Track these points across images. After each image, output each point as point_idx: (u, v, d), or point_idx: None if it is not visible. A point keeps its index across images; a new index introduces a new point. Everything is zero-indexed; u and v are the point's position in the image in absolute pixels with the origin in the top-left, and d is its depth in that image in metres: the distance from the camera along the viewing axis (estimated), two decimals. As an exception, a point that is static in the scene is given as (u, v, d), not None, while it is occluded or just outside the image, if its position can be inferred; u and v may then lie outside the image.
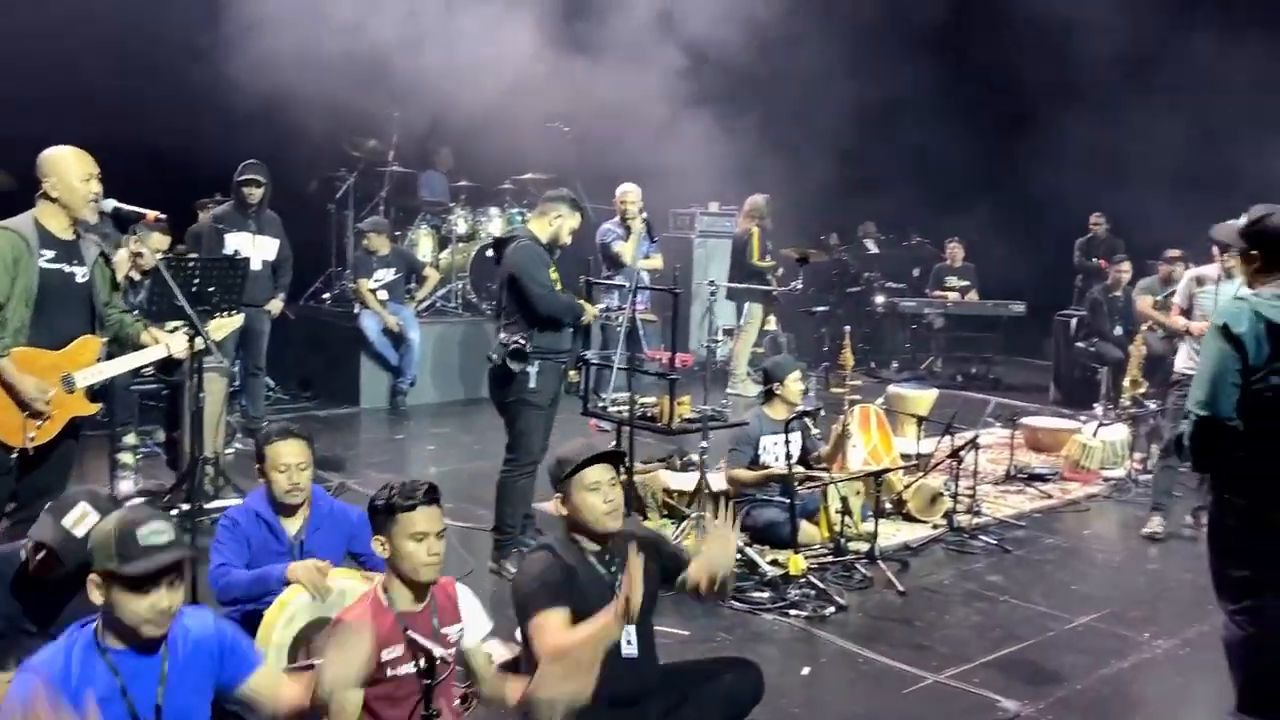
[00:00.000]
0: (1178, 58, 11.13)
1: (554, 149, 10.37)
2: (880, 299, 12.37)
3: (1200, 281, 6.30)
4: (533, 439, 5.33)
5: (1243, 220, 3.59)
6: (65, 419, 4.17)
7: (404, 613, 2.98)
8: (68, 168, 4.11)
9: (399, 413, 9.06)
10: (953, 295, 12.03)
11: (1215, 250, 6.27)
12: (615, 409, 5.62)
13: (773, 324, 10.28)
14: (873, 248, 13.70)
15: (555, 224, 5.41)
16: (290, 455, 3.79)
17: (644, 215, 5.99)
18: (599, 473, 3.16)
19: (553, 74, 9.15)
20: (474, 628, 3.14)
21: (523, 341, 5.15)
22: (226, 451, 6.68)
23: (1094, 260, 11.67)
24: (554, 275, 5.35)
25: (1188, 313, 6.25)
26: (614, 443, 5.85)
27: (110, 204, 4.25)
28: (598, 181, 10.27)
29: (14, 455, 4.05)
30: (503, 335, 5.23)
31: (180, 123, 8.12)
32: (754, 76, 10.68)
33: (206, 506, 5.52)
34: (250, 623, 3.49)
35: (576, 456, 3.19)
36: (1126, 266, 9.51)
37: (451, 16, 8.31)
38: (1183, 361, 6.05)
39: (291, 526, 3.87)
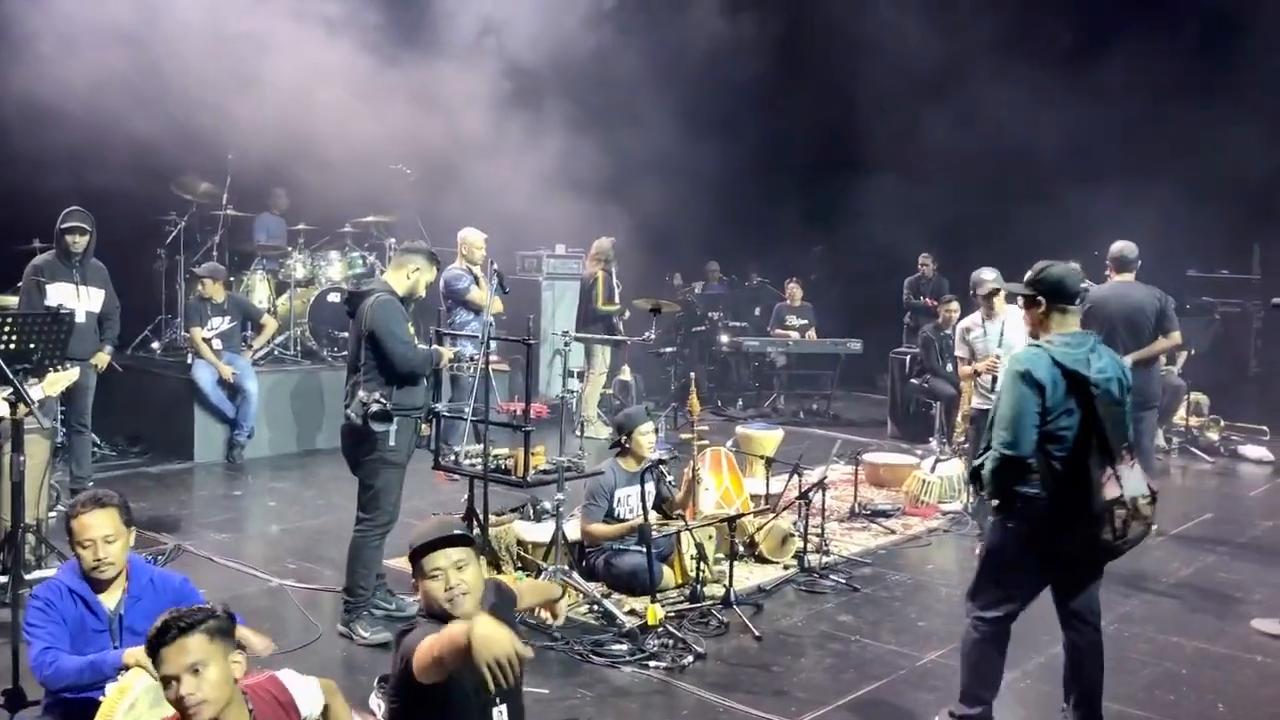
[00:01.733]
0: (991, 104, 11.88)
1: (396, 191, 10.22)
2: (724, 339, 12.61)
3: (969, 330, 7.10)
4: (389, 498, 5.20)
5: (1029, 273, 4.05)
6: None
7: None
8: None
9: (236, 467, 8.68)
10: (793, 334, 12.36)
11: (975, 296, 7.18)
12: (468, 462, 5.52)
13: (627, 373, 10.32)
14: (707, 289, 13.97)
15: (413, 277, 5.31)
16: (95, 528, 3.53)
17: (494, 266, 5.91)
18: (439, 559, 2.94)
19: (393, 116, 9.03)
20: (308, 704, 3.00)
21: (384, 401, 5.01)
22: (50, 516, 6.26)
23: (922, 299, 12.22)
24: (412, 329, 5.26)
25: (971, 358, 7.01)
26: (466, 497, 5.78)
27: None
28: (439, 224, 10.18)
29: None
30: (360, 393, 5.08)
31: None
32: (600, 118, 10.79)
33: (28, 577, 5.14)
34: (84, 710, 3.26)
35: (419, 539, 3.00)
36: (954, 305, 9.96)
37: (279, 55, 8.07)
38: (975, 400, 6.89)
39: (109, 601, 3.62)
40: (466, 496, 5.78)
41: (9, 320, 5.34)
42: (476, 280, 8.19)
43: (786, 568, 6.28)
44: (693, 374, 6.92)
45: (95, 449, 8.17)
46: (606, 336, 9.30)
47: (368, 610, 5.19)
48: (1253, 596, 6.01)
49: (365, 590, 5.21)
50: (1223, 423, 10.67)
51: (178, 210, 9.63)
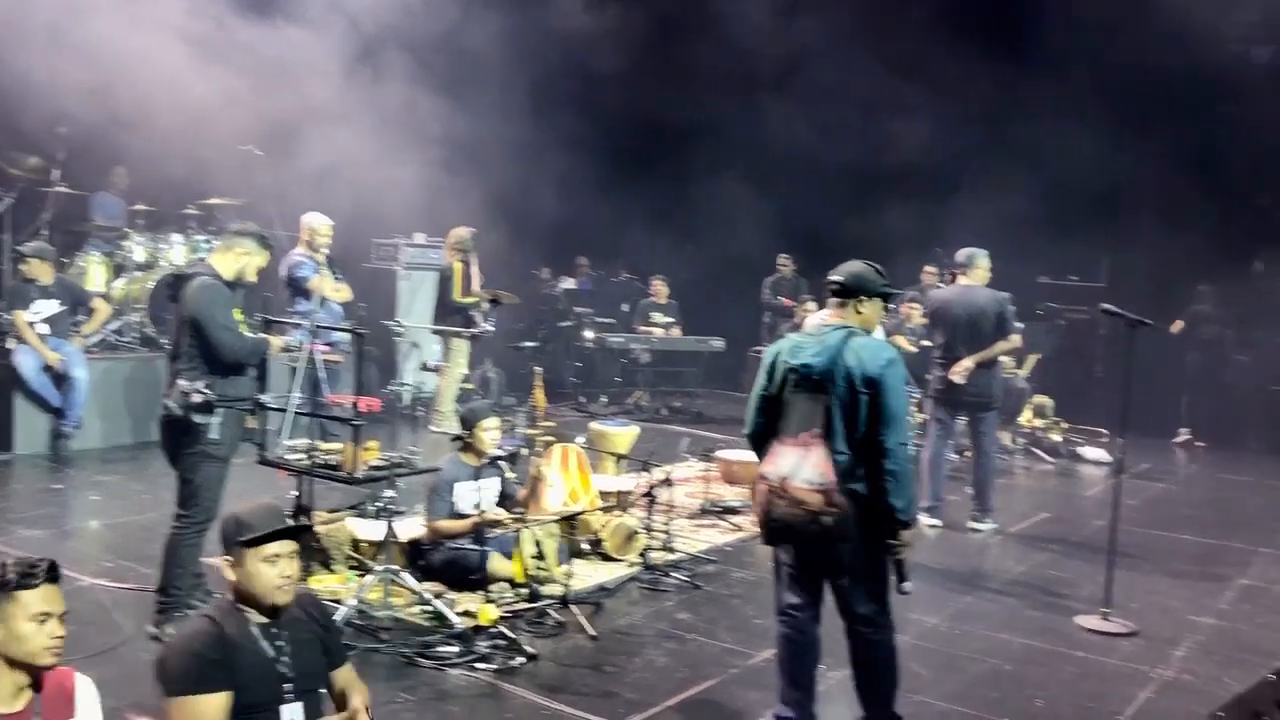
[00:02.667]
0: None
1: (245, 172, 9.78)
2: (589, 334, 12.51)
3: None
4: (211, 494, 4.93)
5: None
6: None
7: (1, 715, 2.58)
8: None
9: (61, 459, 8.18)
10: (658, 331, 12.33)
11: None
12: (295, 457, 5.27)
13: (489, 368, 10.13)
14: (575, 284, 13.87)
15: (241, 260, 5.06)
16: None
17: (327, 253, 5.68)
18: (281, 545, 2.93)
19: (241, 93, 8.62)
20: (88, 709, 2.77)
21: (206, 391, 4.74)
22: None
23: (780, 299, 12.36)
24: (239, 316, 5.00)
25: None
26: (295, 493, 5.53)
27: None
28: (293, 208, 9.81)
29: None
30: (181, 382, 4.79)
31: None
32: (465, 104, 10.53)
33: None
34: None
35: (260, 524, 2.93)
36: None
37: (118, 26, 7.61)
38: None
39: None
40: (295, 493, 5.52)
41: None
42: (320, 267, 7.89)
43: (632, 566, 6.20)
44: (538, 369, 6.76)
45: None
46: (450, 328, 9.06)
47: (182, 611, 4.91)
48: (1080, 593, 6.18)
49: (180, 590, 4.93)
50: (1065, 425, 11.05)
51: (3, 187, 9.03)
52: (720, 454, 8.45)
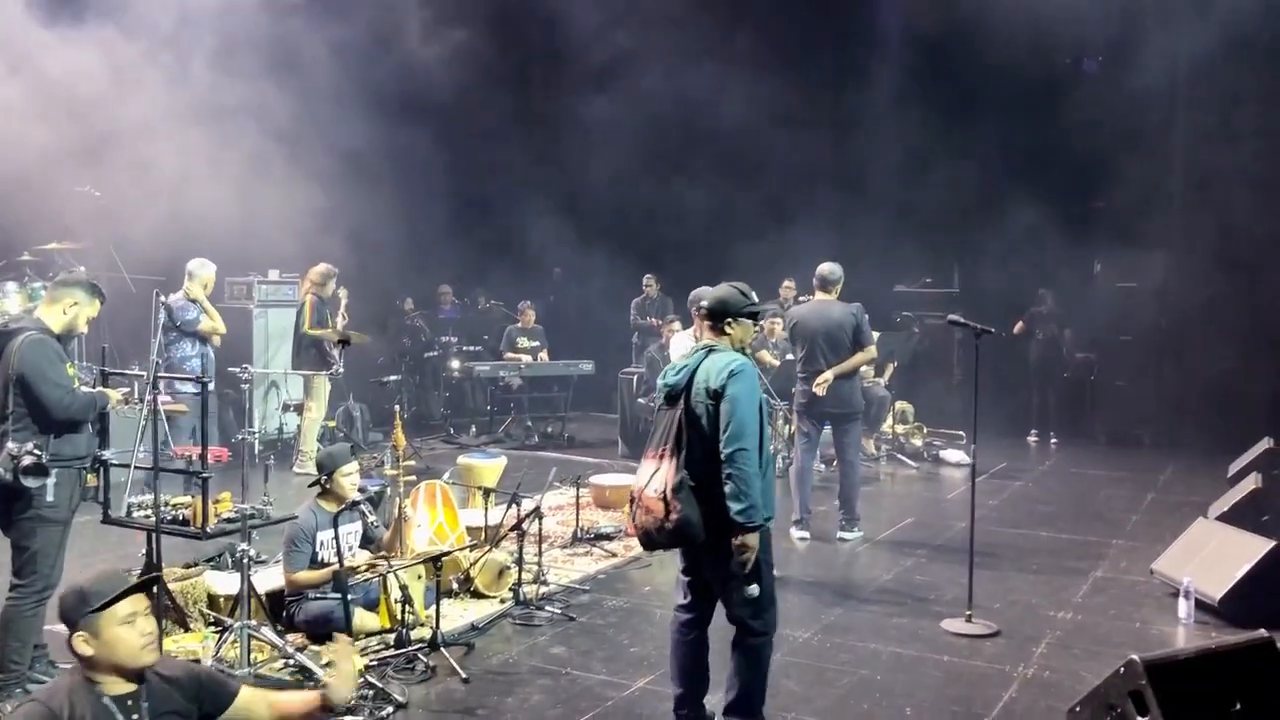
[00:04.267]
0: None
1: (83, 215, 9.35)
2: (456, 364, 12.34)
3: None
4: (49, 560, 4.67)
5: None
6: None
7: None
8: None
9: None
10: (525, 357, 12.25)
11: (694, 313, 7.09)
12: (141, 514, 5.02)
13: (351, 404, 9.92)
14: (439, 313, 13.69)
15: (70, 312, 4.81)
16: None
17: (162, 299, 5.45)
18: (133, 604, 2.81)
19: (71, 132, 8.25)
20: None
21: (39, 453, 4.48)
22: None
23: (648, 319, 12.43)
24: (71, 370, 4.74)
25: None
26: (144, 551, 5.27)
27: None
28: (133, 250, 9.44)
29: None
30: (9, 445, 4.52)
31: None
32: (310, 144, 10.28)
33: None
34: None
35: (105, 589, 2.79)
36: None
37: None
38: None
39: None
40: (144, 551, 5.25)
41: None
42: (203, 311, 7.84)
43: (503, 601, 6.10)
44: (396, 407, 6.62)
45: None
46: (306, 371, 8.90)
47: (23, 687, 4.62)
48: (945, 597, 6.34)
49: (19, 663, 4.64)
50: (926, 429, 11.38)
51: None
52: (593, 479, 8.42)
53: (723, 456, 3.99)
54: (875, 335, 7.85)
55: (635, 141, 12.74)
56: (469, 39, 11.74)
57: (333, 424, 10.14)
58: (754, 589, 4.07)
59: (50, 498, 4.61)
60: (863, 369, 8.03)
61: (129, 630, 2.78)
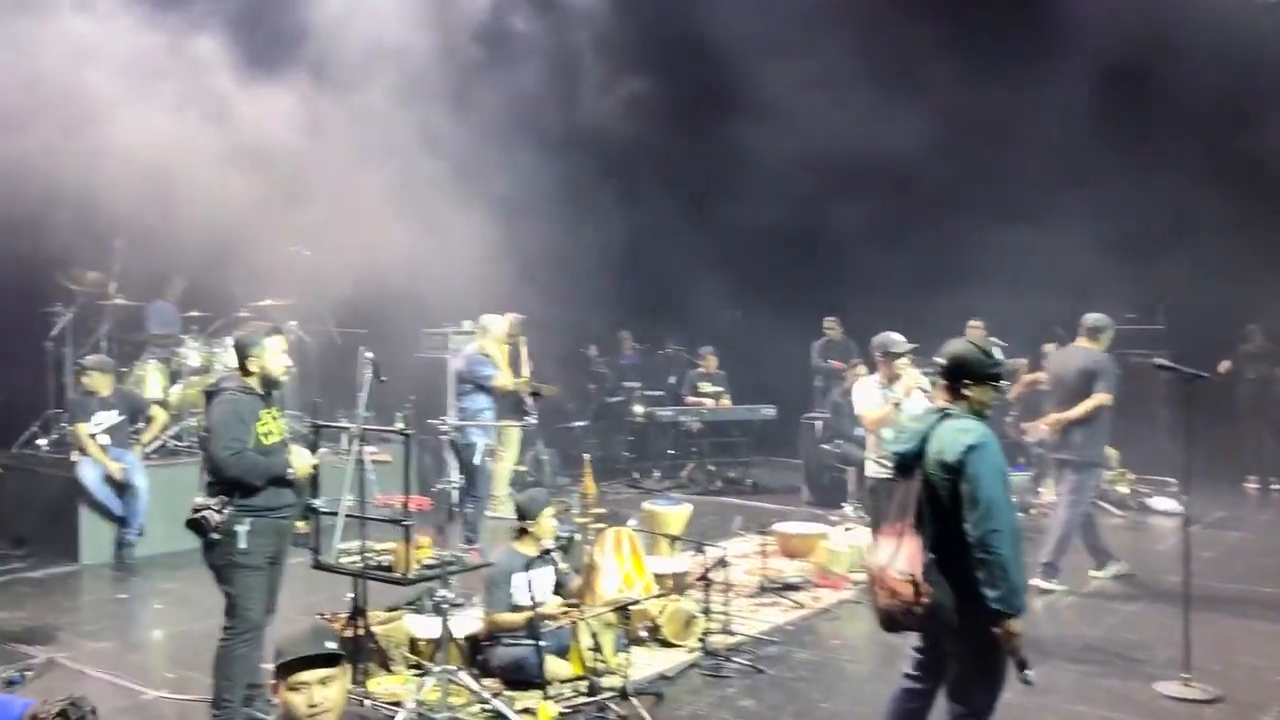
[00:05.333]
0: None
1: (295, 273, 9.99)
2: (638, 409, 12.50)
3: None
4: (250, 603, 4.92)
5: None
6: None
7: None
8: None
9: (125, 567, 8.30)
10: (707, 401, 12.29)
11: (879, 358, 7.17)
12: (347, 560, 5.28)
13: (542, 450, 10.15)
14: (621, 359, 13.90)
15: (257, 365, 4.99)
16: None
17: (369, 354, 5.73)
18: (309, 673, 2.83)
19: (288, 196, 8.85)
20: None
21: (215, 507, 4.76)
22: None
23: (829, 362, 12.24)
24: (272, 423, 4.99)
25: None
26: (351, 594, 5.53)
27: None
28: (346, 302, 9.99)
29: None
30: (197, 499, 4.83)
31: None
32: (504, 203, 10.67)
33: None
34: None
35: (288, 650, 2.86)
36: (862, 369, 9.96)
37: (145, 130, 7.86)
38: (873, 469, 7.08)
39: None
40: (351, 595, 5.52)
41: None
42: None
43: (691, 651, 6.09)
44: (586, 455, 6.75)
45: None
46: (508, 421, 9.12)
47: (234, 726, 4.89)
48: (1158, 657, 5.96)
49: (231, 702, 4.91)
50: (1132, 476, 10.77)
51: (63, 302, 9.33)
52: (778, 527, 8.34)
53: (971, 540, 3.65)
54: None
55: (812, 178, 12.63)
56: (644, 85, 11.97)
57: (524, 469, 10.42)
58: (1031, 674, 3.74)
59: (243, 544, 4.82)
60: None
61: (296, 696, 2.82)
